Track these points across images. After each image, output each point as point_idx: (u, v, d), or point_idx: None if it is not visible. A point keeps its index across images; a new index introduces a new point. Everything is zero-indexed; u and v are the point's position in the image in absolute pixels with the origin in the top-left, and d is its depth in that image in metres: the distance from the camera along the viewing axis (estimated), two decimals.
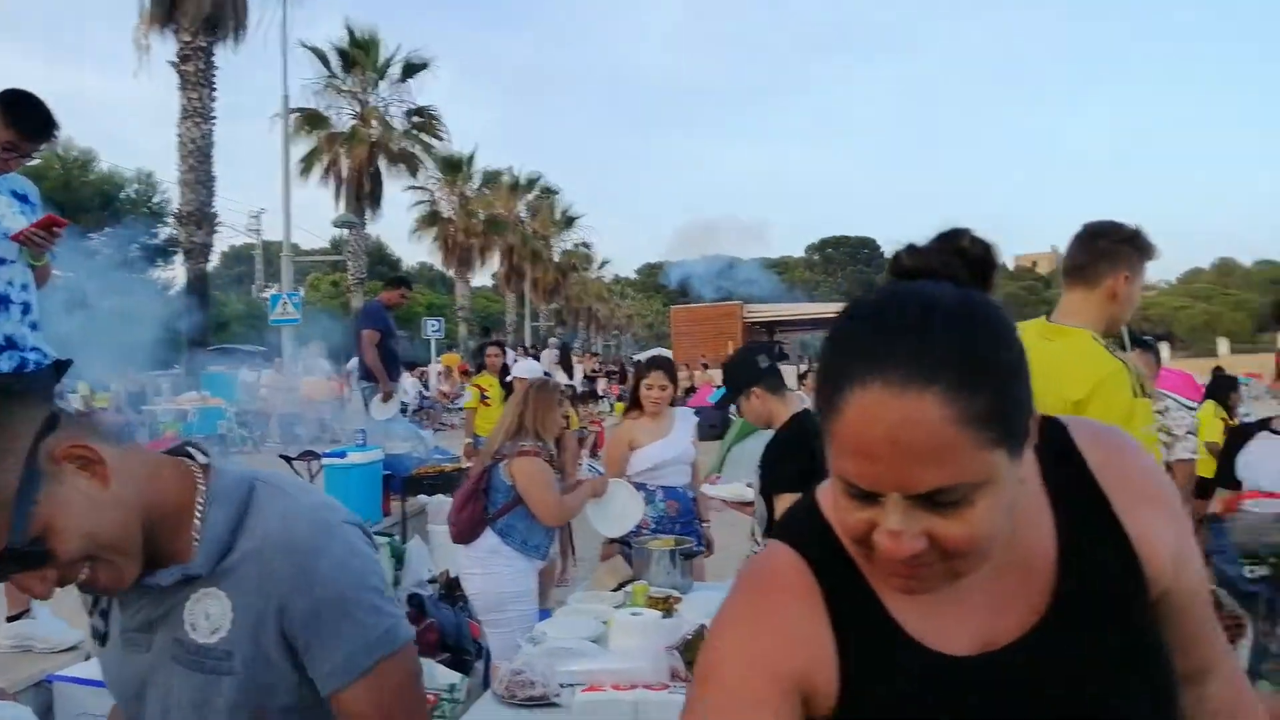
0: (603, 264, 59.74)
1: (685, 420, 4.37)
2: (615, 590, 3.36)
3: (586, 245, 51.79)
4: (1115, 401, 2.18)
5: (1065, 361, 2.27)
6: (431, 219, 34.21)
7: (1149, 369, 4.13)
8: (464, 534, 3.62)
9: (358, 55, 25.05)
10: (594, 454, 10.44)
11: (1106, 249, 2.36)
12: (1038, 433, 0.89)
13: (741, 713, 0.87)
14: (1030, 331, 2.46)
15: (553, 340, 21.70)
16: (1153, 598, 0.91)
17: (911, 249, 0.86)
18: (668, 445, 4.15)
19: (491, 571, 3.56)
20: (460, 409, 13.02)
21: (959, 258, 0.84)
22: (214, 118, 17.63)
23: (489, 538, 3.56)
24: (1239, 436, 3.40)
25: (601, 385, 20.80)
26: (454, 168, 33.82)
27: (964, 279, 0.83)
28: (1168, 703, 0.89)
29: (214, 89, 17.66)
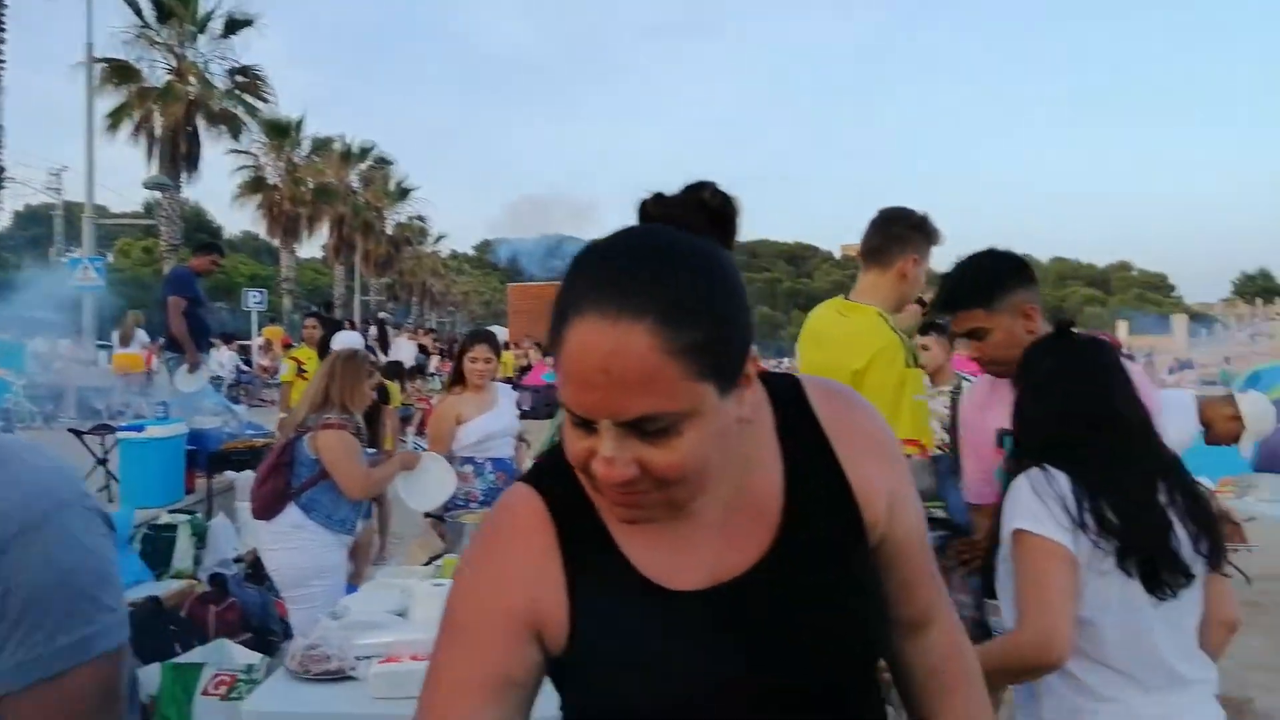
0: (439, 238, 58.18)
1: (508, 394, 4.39)
2: (426, 564, 3.31)
3: (421, 219, 50.25)
4: (889, 370, 2.37)
5: (852, 335, 2.46)
6: (256, 185, 32.35)
7: (943, 349, 4.42)
8: (265, 509, 3.48)
9: (174, 5, 23.19)
10: (421, 432, 10.21)
11: (898, 234, 2.54)
12: (767, 386, 0.96)
13: (472, 652, 0.90)
14: (830, 308, 2.66)
15: (383, 315, 21.04)
16: (872, 544, 0.98)
17: (658, 198, 0.89)
18: (494, 418, 4.14)
19: (294, 546, 3.43)
20: (280, 384, 12.42)
21: (700, 208, 0.88)
22: (3, 62, 16.01)
23: (292, 513, 3.43)
24: None
25: (434, 363, 20.32)
26: (281, 132, 32.09)
27: (703, 228, 0.86)
28: (875, 641, 0.97)
29: (3, 30, 16.03)
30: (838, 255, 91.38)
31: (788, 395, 0.99)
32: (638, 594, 0.90)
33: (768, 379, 1.00)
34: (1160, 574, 1.54)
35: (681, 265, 0.79)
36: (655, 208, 0.89)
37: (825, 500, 0.95)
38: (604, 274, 0.78)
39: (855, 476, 0.96)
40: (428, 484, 3.84)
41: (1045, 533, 1.56)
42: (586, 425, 0.80)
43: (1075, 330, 1.79)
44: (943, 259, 2.87)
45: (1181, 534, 1.58)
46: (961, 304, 2.02)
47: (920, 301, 2.84)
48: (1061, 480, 1.59)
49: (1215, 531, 1.62)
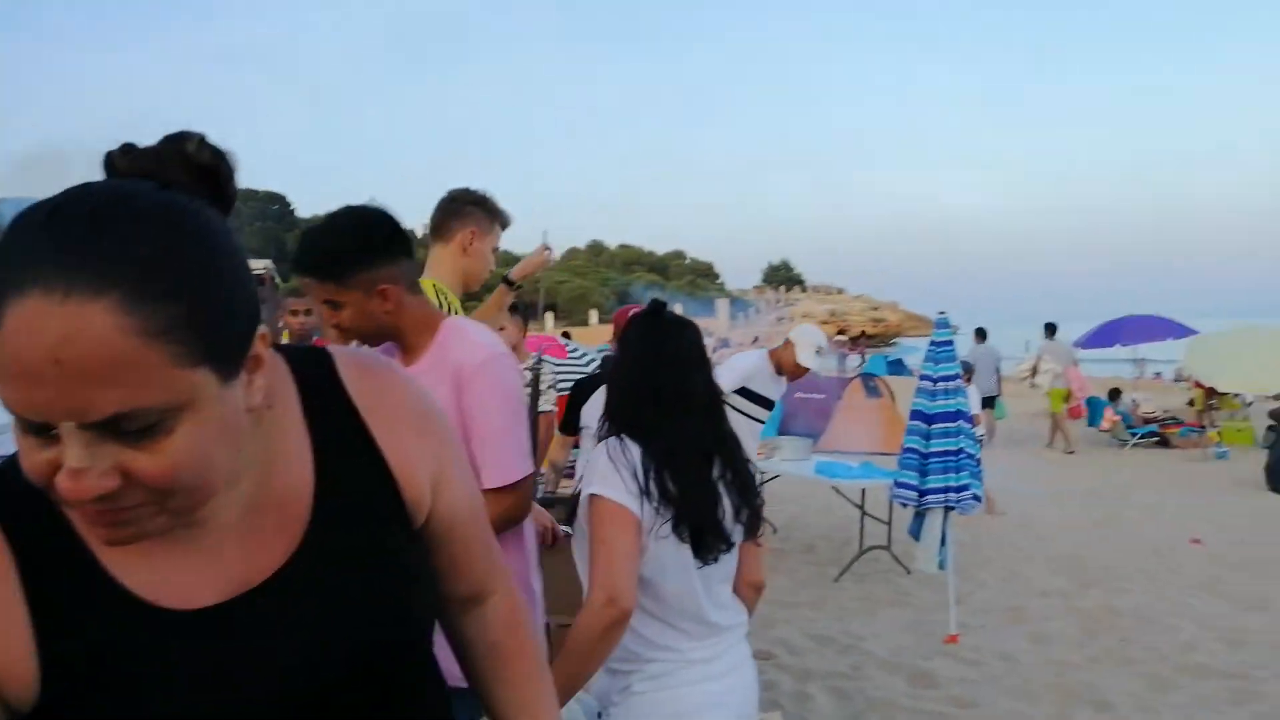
0: None
1: None
2: None
3: None
4: None
5: None
6: None
7: (517, 328, 4.55)
8: None
9: None
10: None
11: (458, 209, 2.64)
12: (290, 362, 0.86)
13: None
14: None
15: None
16: (418, 524, 0.91)
17: (127, 149, 0.73)
18: None
19: None
20: None
21: (184, 163, 0.73)
22: None
23: None
24: (584, 387, 3.86)
25: None
26: None
27: (189, 186, 0.72)
28: (423, 624, 0.91)
29: None
30: (420, 234, 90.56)
31: (315, 371, 0.88)
32: (132, 622, 0.75)
33: (291, 354, 0.89)
34: (707, 541, 1.72)
35: (153, 228, 0.64)
36: (124, 162, 0.72)
37: (361, 484, 0.86)
38: (49, 241, 0.62)
39: (393, 455, 0.88)
40: None
41: (616, 497, 1.67)
42: (43, 431, 0.63)
43: (668, 312, 1.89)
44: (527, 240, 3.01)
45: (727, 506, 1.78)
46: (309, 273, 1.82)
47: (507, 281, 2.93)
48: (634, 451, 1.72)
49: (755, 504, 1.84)
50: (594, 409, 3.79)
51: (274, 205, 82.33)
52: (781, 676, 4.35)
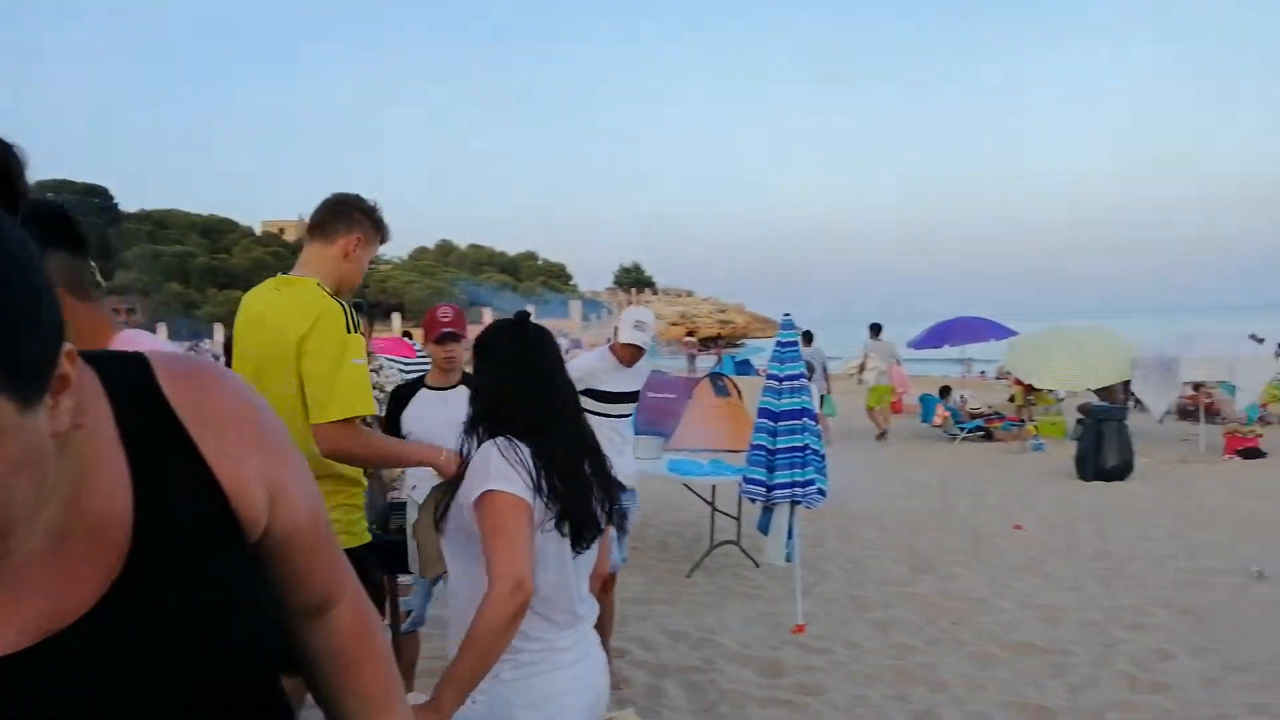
0: None
1: None
2: None
3: None
4: (330, 335, 2.37)
5: (290, 305, 2.44)
6: None
7: (363, 330, 4.40)
8: None
9: None
10: None
11: (347, 213, 2.62)
12: (101, 373, 0.78)
13: None
14: (267, 286, 2.64)
15: None
16: (252, 540, 0.85)
17: None
18: None
19: None
20: None
21: None
22: None
23: None
24: (402, 394, 3.74)
25: None
26: None
27: None
28: (261, 658, 0.85)
29: None
30: (258, 231, 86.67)
31: (130, 380, 0.80)
32: None
33: (101, 361, 0.80)
34: (583, 533, 1.84)
35: None
36: None
37: (187, 504, 0.79)
38: None
39: (223, 470, 0.81)
40: None
41: (515, 491, 1.75)
42: None
43: (531, 324, 2.01)
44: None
45: (596, 498, 1.89)
46: None
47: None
48: (524, 449, 1.81)
49: (616, 496, 1.96)
50: (415, 413, 3.68)
51: (94, 198, 76.58)
52: (636, 672, 4.38)
